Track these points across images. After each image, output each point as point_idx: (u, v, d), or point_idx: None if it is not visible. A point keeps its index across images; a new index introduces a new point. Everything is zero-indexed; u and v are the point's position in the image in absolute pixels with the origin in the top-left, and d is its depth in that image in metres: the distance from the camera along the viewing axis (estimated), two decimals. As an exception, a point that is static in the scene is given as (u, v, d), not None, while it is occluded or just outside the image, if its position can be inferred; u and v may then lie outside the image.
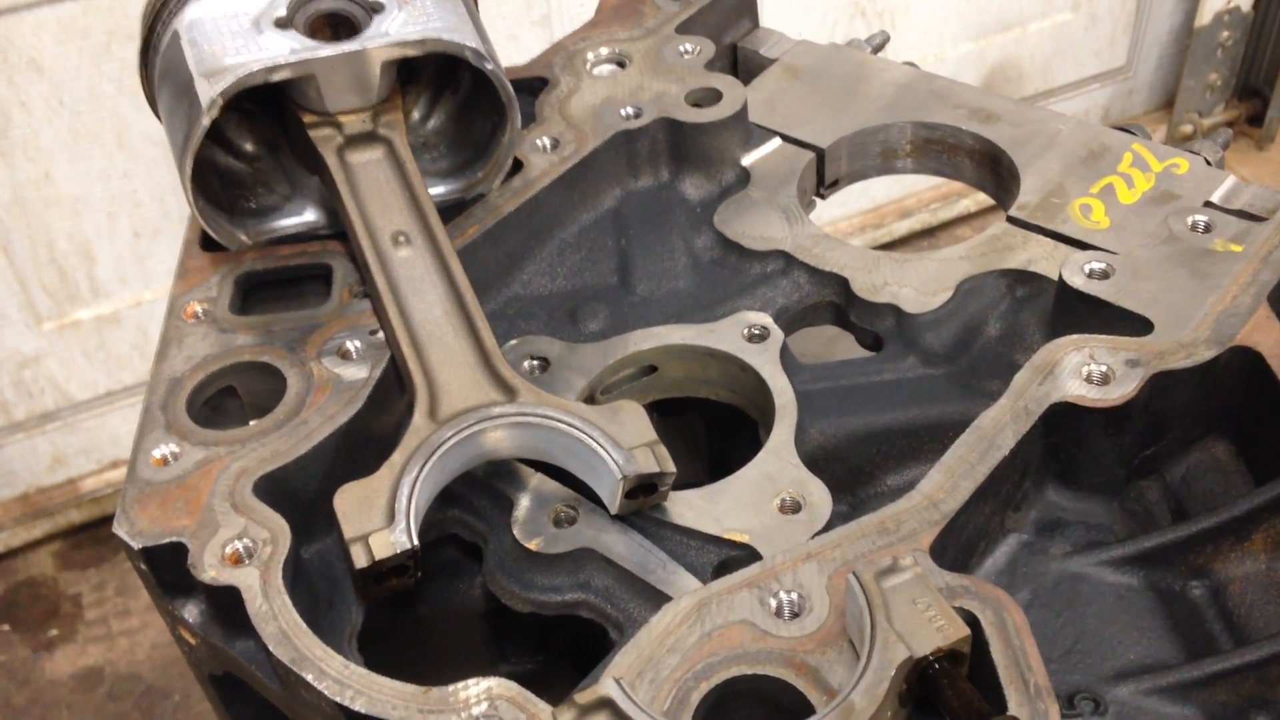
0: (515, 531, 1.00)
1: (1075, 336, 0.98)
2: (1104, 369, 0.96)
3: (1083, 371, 0.96)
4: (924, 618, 0.79)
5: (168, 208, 2.45)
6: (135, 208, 2.42)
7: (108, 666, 2.46)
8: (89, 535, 2.68)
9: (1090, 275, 1.05)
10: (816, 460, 1.04)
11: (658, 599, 0.95)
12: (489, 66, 1.08)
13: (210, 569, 0.89)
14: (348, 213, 1.07)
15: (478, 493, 1.04)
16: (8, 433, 2.57)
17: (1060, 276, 1.05)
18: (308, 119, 1.10)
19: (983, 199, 3.25)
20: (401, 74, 1.16)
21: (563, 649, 1.20)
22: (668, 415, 1.24)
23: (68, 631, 2.53)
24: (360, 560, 0.89)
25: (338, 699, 0.81)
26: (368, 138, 1.11)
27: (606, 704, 0.76)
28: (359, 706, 0.81)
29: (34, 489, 2.66)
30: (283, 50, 1.05)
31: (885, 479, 1.09)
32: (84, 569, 2.64)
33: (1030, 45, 3.13)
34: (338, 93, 1.08)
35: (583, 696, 0.76)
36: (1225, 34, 3.26)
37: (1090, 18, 3.15)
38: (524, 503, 1.02)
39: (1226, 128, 2.95)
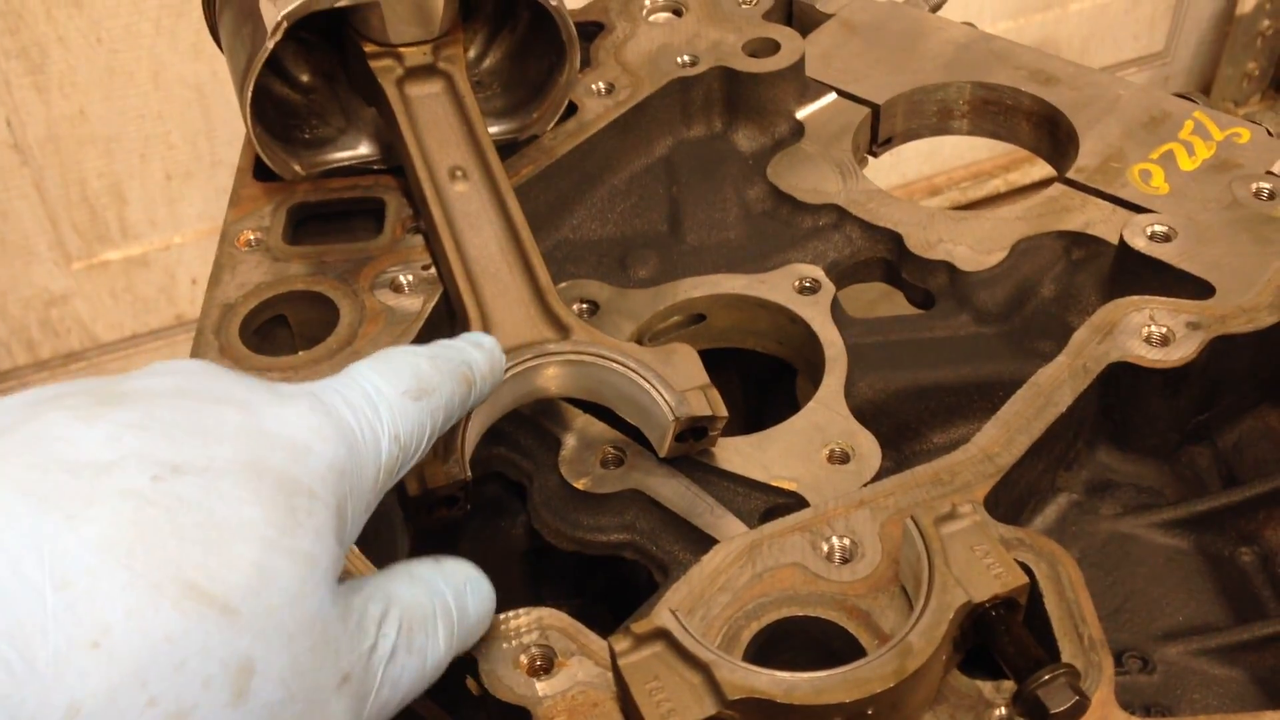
0: (562, 470, 0.99)
1: (1136, 297, 0.98)
2: (1164, 330, 0.95)
3: (1143, 332, 0.95)
4: (982, 564, 0.78)
5: (199, 151, 2.45)
6: (168, 150, 2.42)
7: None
8: (110, 476, 2.69)
9: (1152, 238, 1.04)
10: (864, 414, 1.04)
11: (704, 542, 0.95)
12: (553, 2, 1.07)
13: (263, 490, 0.89)
14: (405, 145, 1.07)
15: (524, 431, 1.04)
16: (33, 371, 2.58)
17: (1121, 238, 1.04)
18: (369, 49, 1.09)
19: (1014, 179, 3.23)
20: (461, 10, 1.15)
21: (597, 593, 1.20)
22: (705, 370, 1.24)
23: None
24: (412, 488, 0.88)
25: (390, 622, 0.81)
26: (428, 71, 1.10)
27: (662, 634, 0.75)
28: (411, 630, 0.81)
29: (56, 428, 2.67)
30: (347, -23, 1.04)
31: (932, 436, 1.08)
32: (104, 509, 2.64)
33: (1070, 26, 3.10)
34: (401, 23, 1.08)
35: (639, 627, 0.76)
36: (1266, 23, 3.23)
37: (1131, 0, 3.12)
38: (571, 442, 1.01)
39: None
